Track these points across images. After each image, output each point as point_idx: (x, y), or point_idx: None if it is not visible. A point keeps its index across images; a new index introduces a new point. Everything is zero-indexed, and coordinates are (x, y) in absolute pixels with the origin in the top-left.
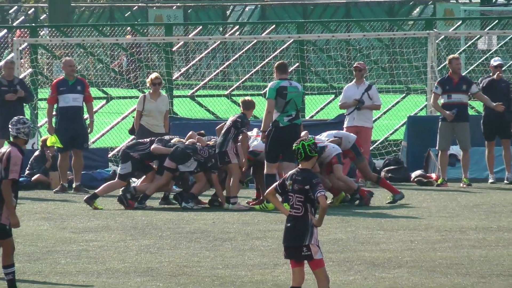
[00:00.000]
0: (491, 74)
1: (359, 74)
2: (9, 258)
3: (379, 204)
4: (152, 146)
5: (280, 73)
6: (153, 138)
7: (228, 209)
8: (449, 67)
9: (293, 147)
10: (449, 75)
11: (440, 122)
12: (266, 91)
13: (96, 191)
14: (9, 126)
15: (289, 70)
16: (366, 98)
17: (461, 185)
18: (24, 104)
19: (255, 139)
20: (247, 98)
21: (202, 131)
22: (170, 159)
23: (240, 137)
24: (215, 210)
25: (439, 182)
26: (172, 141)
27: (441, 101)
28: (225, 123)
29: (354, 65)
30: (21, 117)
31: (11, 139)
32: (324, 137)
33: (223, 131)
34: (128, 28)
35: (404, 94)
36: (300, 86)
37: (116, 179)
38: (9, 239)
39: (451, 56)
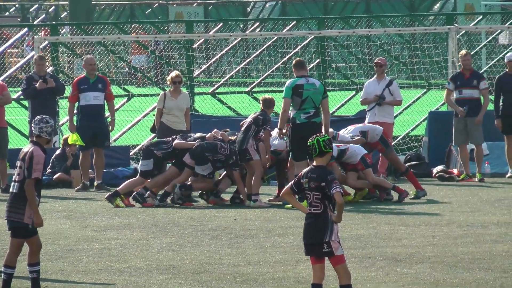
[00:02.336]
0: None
1: (380, 70)
2: (35, 256)
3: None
4: (175, 142)
5: (298, 70)
6: (174, 137)
7: (249, 206)
8: (461, 63)
9: (308, 143)
10: (461, 70)
11: (454, 118)
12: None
13: (117, 188)
14: (32, 125)
15: (310, 66)
16: (387, 93)
17: (475, 179)
18: (57, 101)
19: (275, 138)
20: (267, 96)
21: (227, 129)
22: (191, 157)
23: (262, 134)
24: (237, 207)
25: (461, 178)
26: (195, 136)
27: (453, 97)
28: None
29: (375, 61)
30: (44, 116)
31: (34, 138)
32: (349, 133)
33: (243, 128)
34: (133, 25)
35: (425, 90)
36: (318, 82)
37: (138, 176)
38: (34, 237)
39: (461, 52)
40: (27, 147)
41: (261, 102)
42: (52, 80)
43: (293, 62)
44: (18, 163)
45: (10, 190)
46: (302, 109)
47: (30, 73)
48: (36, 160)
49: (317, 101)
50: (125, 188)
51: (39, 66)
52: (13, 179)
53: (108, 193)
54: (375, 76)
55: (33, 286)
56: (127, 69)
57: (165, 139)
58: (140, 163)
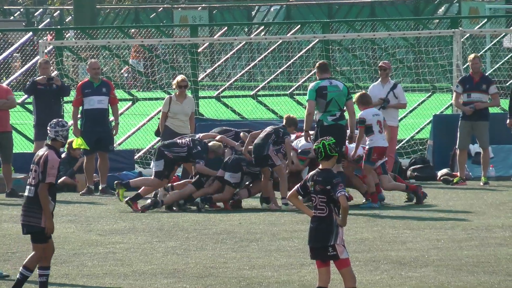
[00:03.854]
0: None
1: (384, 73)
2: (46, 260)
3: (405, 203)
4: (198, 166)
5: (321, 72)
6: (189, 141)
7: (281, 209)
8: (470, 66)
9: (314, 147)
10: (470, 74)
11: (460, 121)
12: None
13: (139, 191)
14: (48, 128)
15: (315, 70)
16: (391, 97)
17: (480, 183)
18: (61, 102)
19: (298, 140)
20: (292, 115)
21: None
22: (224, 167)
23: (284, 144)
24: (241, 211)
25: (455, 181)
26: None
27: (461, 99)
28: (262, 130)
29: (379, 64)
30: (60, 119)
31: (49, 141)
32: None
33: (262, 135)
34: (133, 30)
35: (429, 93)
36: (341, 84)
37: (153, 177)
38: (49, 241)
39: (470, 55)
40: (42, 150)
41: (284, 119)
42: (58, 79)
43: (317, 64)
44: (33, 167)
45: (26, 194)
46: (328, 111)
47: (35, 78)
48: (50, 165)
49: (342, 103)
50: (146, 192)
51: (44, 70)
52: (28, 182)
53: (128, 197)
54: (379, 80)
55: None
56: (125, 74)
57: (178, 141)
58: (152, 163)
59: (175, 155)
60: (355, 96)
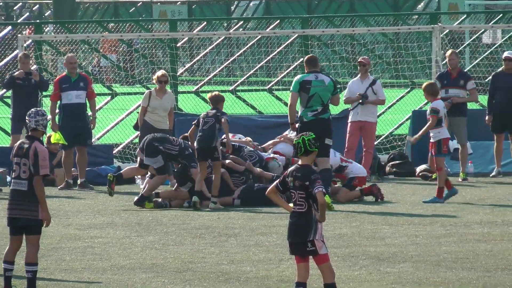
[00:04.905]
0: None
1: (364, 69)
2: (14, 254)
3: (384, 199)
4: (193, 170)
5: (309, 67)
6: (181, 141)
7: (211, 208)
8: (447, 62)
9: (294, 142)
10: (448, 70)
11: None
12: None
13: (142, 192)
14: (27, 118)
15: (294, 65)
16: (370, 93)
17: (459, 179)
18: (40, 97)
19: (280, 143)
20: (214, 93)
21: (186, 135)
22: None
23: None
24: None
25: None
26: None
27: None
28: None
29: (359, 60)
30: (39, 109)
31: (29, 132)
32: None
33: (204, 127)
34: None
35: (408, 89)
36: (328, 79)
37: (156, 175)
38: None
39: (448, 51)
40: (25, 143)
41: (210, 100)
42: (37, 73)
43: (305, 58)
44: (22, 160)
45: (15, 188)
46: (309, 107)
47: (13, 72)
48: (42, 156)
49: (325, 98)
50: (150, 190)
51: (23, 64)
52: (14, 176)
53: (136, 199)
54: (358, 75)
55: (5, 283)
56: (96, 69)
57: (170, 138)
58: (149, 161)
59: (166, 151)
60: (423, 85)
